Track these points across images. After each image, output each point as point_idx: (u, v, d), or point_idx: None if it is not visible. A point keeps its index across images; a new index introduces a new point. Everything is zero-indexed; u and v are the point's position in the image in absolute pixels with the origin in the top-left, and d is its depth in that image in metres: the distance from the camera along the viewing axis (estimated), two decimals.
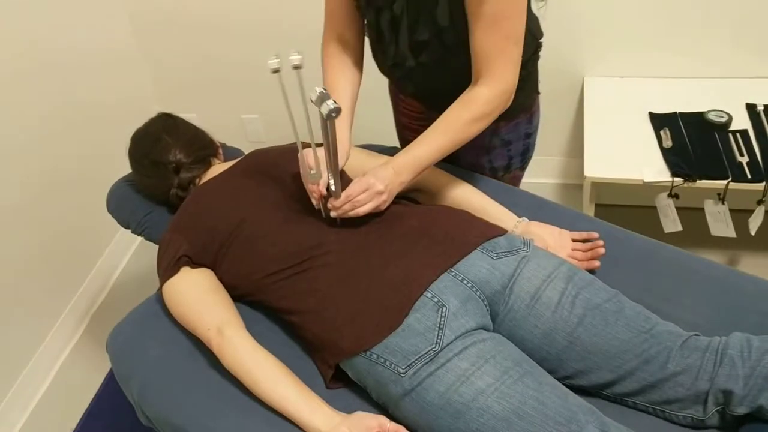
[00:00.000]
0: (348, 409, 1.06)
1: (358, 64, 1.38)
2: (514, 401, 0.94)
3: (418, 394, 0.99)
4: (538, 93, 1.45)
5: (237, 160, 1.40)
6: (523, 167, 1.53)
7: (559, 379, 1.03)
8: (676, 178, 1.72)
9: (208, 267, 1.25)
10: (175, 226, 1.29)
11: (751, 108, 1.89)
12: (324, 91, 1.03)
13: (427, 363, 0.99)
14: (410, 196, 1.42)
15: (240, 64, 2.25)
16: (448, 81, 1.26)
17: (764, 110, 1.87)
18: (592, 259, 1.23)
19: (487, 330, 1.06)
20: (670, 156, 1.77)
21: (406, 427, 1.01)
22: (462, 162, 1.48)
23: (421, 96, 1.45)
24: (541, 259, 1.12)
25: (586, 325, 1.04)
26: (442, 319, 1.01)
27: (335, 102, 1.02)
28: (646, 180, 1.73)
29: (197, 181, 1.42)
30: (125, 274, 2.35)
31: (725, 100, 1.91)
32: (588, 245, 1.25)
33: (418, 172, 1.23)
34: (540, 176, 2.33)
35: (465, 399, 0.95)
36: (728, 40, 1.94)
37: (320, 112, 1.03)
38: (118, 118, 2.28)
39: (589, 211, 1.95)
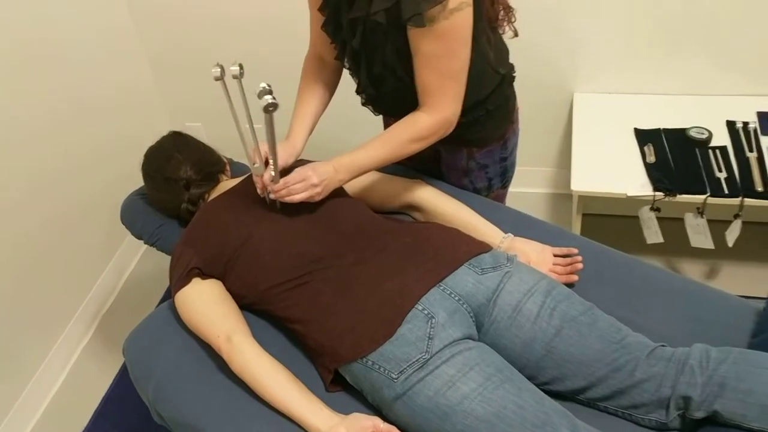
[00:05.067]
0: (346, 411, 1.14)
1: (332, 82, 1.49)
2: (495, 405, 1.03)
3: (409, 397, 1.07)
4: (513, 122, 1.52)
5: (243, 178, 1.47)
6: (504, 186, 1.62)
7: (537, 385, 1.12)
8: (657, 193, 1.78)
9: (217, 278, 1.33)
10: (186, 240, 1.37)
11: (731, 125, 1.95)
12: (267, 87, 1.14)
13: (417, 369, 1.07)
14: (407, 213, 1.51)
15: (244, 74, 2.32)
16: (407, 108, 1.35)
17: (743, 127, 1.93)
18: (571, 273, 1.32)
19: (473, 339, 1.14)
20: (652, 171, 1.84)
21: (399, 428, 1.09)
22: (447, 183, 1.58)
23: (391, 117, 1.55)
24: (523, 274, 1.20)
25: (563, 336, 1.13)
26: (432, 329, 1.10)
27: (274, 98, 1.12)
28: (630, 194, 1.80)
29: (206, 196, 1.50)
30: (132, 278, 2.42)
31: (707, 117, 1.98)
32: (568, 260, 1.33)
33: (356, 174, 1.35)
34: (532, 186, 2.42)
35: (451, 402, 1.04)
36: (711, 59, 2.01)
37: (261, 104, 1.13)
38: (129, 128, 2.36)
39: (577, 221, 2.02)
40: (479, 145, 1.48)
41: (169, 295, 2.25)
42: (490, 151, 1.50)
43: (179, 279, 1.31)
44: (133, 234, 1.65)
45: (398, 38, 1.25)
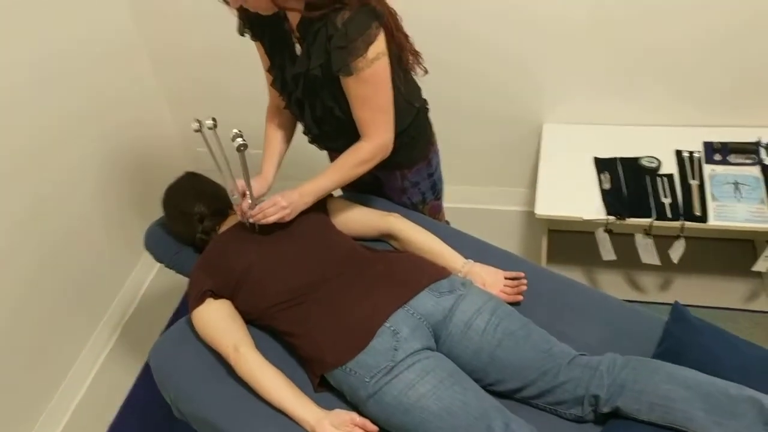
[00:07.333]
0: (330, 407, 1.38)
1: (290, 126, 1.79)
2: (446, 402, 1.27)
3: (379, 396, 1.32)
4: (432, 144, 1.82)
5: None
6: (437, 198, 1.91)
7: (483, 386, 1.37)
8: (610, 216, 1.99)
9: (228, 298, 1.57)
10: (201, 267, 1.62)
11: (678, 154, 2.15)
12: (238, 132, 1.44)
13: (385, 374, 1.32)
14: (385, 240, 1.76)
15: (249, 102, 2.40)
16: (345, 142, 1.63)
17: (689, 156, 2.13)
18: (518, 294, 1.56)
19: (431, 350, 1.39)
20: (607, 197, 2.04)
21: (371, 421, 1.34)
22: (392, 201, 1.87)
23: (331, 151, 1.84)
24: (474, 296, 1.45)
25: (503, 347, 1.37)
26: (397, 342, 1.35)
27: (244, 140, 1.43)
28: (585, 218, 2.01)
29: (217, 228, 1.75)
30: (148, 292, 2.61)
31: (659, 146, 2.18)
32: (515, 282, 1.57)
33: (318, 196, 1.63)
34: (509, 204, 2.65)
35: (411, 400, 1.28)
36: (664, 94, 2.21)
37: (233, 145, 1.43)
38: (147, 157, 2.59)
39: (543, 239, 2.26)
40: (408, 166, 1.77)
41: (181, 307, 2.53)
42: (418, 170, 1.80)
43: (195, 299, 1.55)
44: (154, 258, 1.90)
45: (332, 86, 1.54)
